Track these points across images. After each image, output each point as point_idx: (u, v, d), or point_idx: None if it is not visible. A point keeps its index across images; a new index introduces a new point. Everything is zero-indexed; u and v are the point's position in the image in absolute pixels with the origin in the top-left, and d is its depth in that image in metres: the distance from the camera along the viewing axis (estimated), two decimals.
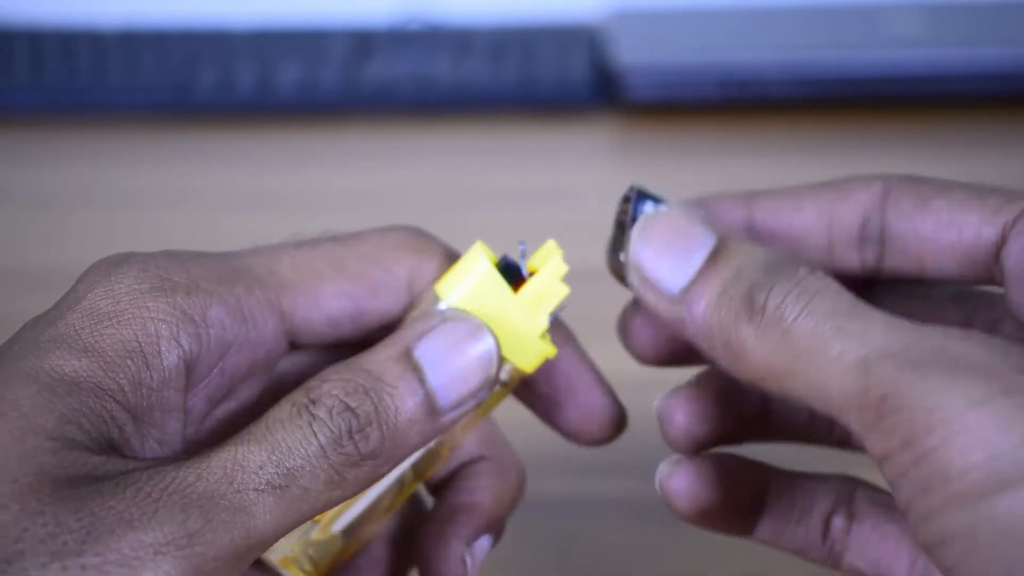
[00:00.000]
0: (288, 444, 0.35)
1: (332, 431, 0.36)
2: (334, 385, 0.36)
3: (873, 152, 0.89)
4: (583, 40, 0.97)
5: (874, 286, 0.42)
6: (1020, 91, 0.93)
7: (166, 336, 0.37)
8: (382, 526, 0.42)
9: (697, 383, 0.42)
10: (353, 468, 0.36)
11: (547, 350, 0.40)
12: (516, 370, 0.40)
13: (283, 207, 0.83)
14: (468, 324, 0.38)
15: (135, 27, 0.97)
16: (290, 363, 0.42)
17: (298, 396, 0.36)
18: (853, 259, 0.42)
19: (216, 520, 0.33)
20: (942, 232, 0.40)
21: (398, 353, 0.37)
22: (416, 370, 0.37)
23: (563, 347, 0.42)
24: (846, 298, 0.36)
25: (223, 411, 0.40)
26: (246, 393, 0.40)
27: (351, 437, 0.36)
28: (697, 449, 0.42)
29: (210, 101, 0.95)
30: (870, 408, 0.33)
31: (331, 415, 0.36)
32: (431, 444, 0.40)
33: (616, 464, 0.54)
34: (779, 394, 0.36)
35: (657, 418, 0.42)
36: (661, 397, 0.42)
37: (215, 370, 0.38)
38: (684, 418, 0.42)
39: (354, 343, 0.41)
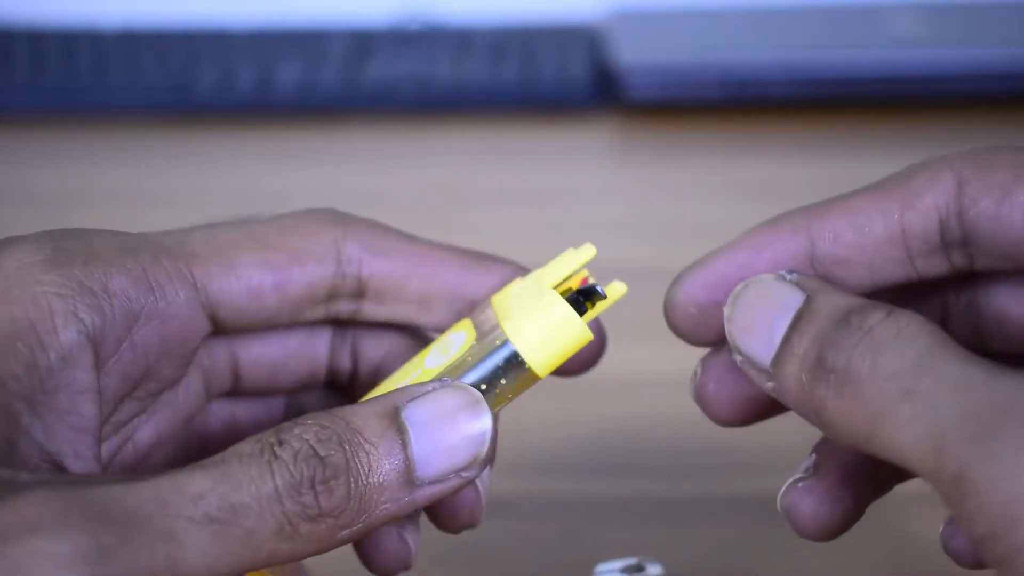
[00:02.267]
0: (239, 478, 0.32)
1: (293, 475, 0.32)
2: (307, 429, 0.33)
3: (873, 152, 0.89)
4: (583, 40, 0.97)
5: (976, 278, 0.39)
6: (1020, 91, 0.93)
7: (61, 310, 0.34)
8: None
9: (816, 467, 0.38)
10: (309, 522, 0.32)
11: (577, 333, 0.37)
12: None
13: (283, 207, 0.83)
14: (467, 397, 0.35)
15: (135, 27, 0.97)
16: (223, 358, 0.40)
17: (266, 434, 0.33)
18: (940, 265, 0.38)
19: (136, 541, 0.30)
20: None
21: (385, 410, 0.34)
22: (400, 432, 0.34)
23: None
24: (920, 346, 0.33)
25: (144, 392, 0.38)
26: (168, 373, 0.38)
27: (312, 487, 0.32)
28: (834, 536, 0.38)
29: (210, 101, 0.95)
30: (947, 485, 0.31)
31: (295, 458, 0.33)
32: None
33: (616, 464, 0.54)
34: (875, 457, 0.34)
35: (783, 513, 0.38)
36: (783, 493, 0.38)
37: (124, 344, 0.36)
38: (812, 509, 0.38)
39: (285, 321, 0.39)
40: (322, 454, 0.33)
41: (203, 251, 0.38)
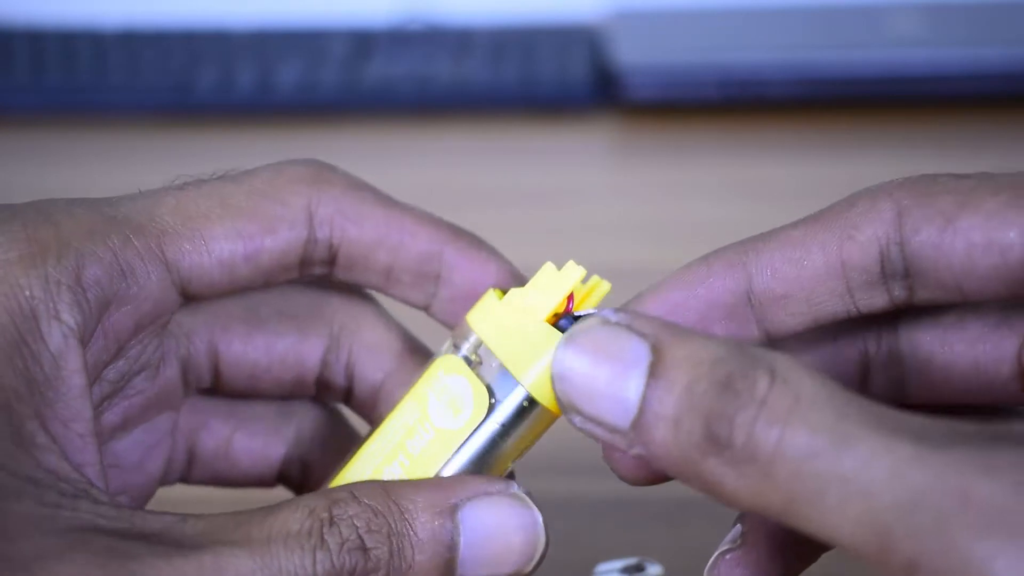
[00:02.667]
0: (282, 563, 0.32)
1: (335, 566, 0.33)
2: (361, 513, 0.33)
3: (873, 152, 0.89)
4: (583, 40, 0.97)
5: (904, 315, 0.37)
6: (1020, 91, 0.93)
7: (44, 314, 0.34)
8: None
9: (743, 537, 0.37)
10: None
11: None
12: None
13: None
14: (530, 514, 0.35)
15: (135, 27, 0.97)
16: (203, 350, 0.40)
17: (319, 505, 0.33)
18: (878, 299, 0.36)
19: None
20: (978, 258, 0.34)
21: (441, 507, 0.34)
22: (453, 533, 0.34)
23: None
24: (828, 415, 0.30)
25: (114, 373, 0.37)
26: (138, 351, 0.38)
27: None
28: None
29: (210, 101, 0.95)
30: (898, 571, 0.29)
31: (341, 548, 0.33)
32: None
33: None
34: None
35: None
36: (710, 566, 0.37)
37: (97, 331, 0.36)
38: None
39: (257, 287, 0.39)
40: (368, 546, 0.33)
41: (174, 225, 0.37)
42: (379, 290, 0.41)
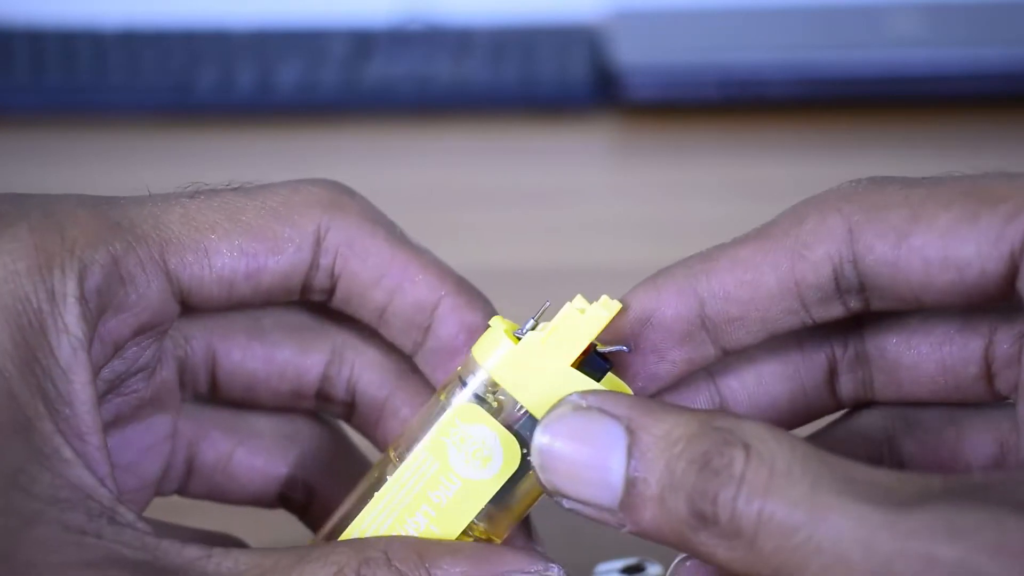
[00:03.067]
0: None
1: None
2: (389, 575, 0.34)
3: (873, 152, 0.89)
4: (583, 40, 0.97)
5: (868, 319, 0.37)
6: (1020, 91, 0.93)
7: (52, 328, 0.34)
8: None
9: None
10: None
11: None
12: None
13: None
14: None
15: (135, 27, 0.97)
16: (200, 355, 0.40)
17: (350, 563, 0.34)
18: (835, 310, 0.36)
19: None
20: (935, 275, 0.34)
21: None
22: None
23: None
24: (803, 488, 0.31)
25: (109, 372, 0.37)
26: (135, 352, 0.38)
27: None
28: None
29: (210, 101, 0.95)
30: None
31: None
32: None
33: None
34: None
35: None
36: (670, 572, 0.37)
37: (94, 336, 0.35)
38: None
39: (257, 305, 0.39)
40: None
41: (178, 235, 0.37)
42: (370, 325, 0.40)
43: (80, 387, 0.34)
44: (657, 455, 0.32)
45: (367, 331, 0.41)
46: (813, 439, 0.38)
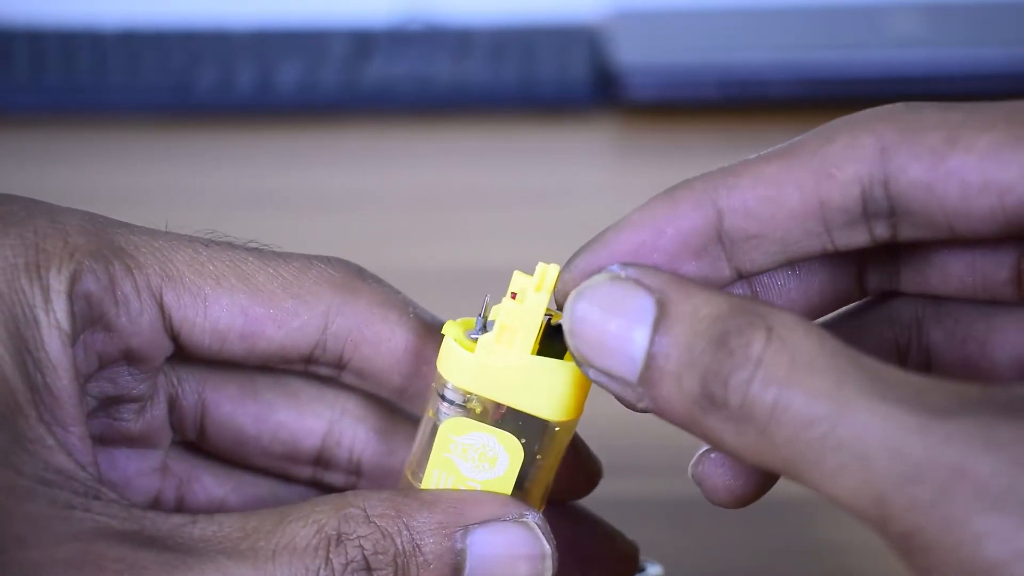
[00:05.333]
0: None
1: None
2: (370, 533, 0.34)
3: None
4: (583, 40, 0.97)
5: (895, 251, 0.36)
6: (1020, 91, 0.93)
7: (44, 323, 0.34)
8: None
9: None
10: None
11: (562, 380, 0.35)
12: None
13: (283, 207, 0.83)
14: (539, 544, 0.35)
15: (135, 27, 0.97)
16: (191, 399, 0.39)
17: (329, 520, 0.34)
18: (859, 237, 0.34)
19: None
20: (973, 199, 0.32)
21: (450, 529, 0.34)
22: (459, 555, 0.34)
23: None
24: (827, 379, 0.29)
25: (97, 390, 0.37)
26: (129, 384, 0.37)
27: None
28: (747, 504, 0.36)
29: (210, 101, 0.95)
30: (894, 536, 0.29)
31: (344, 569, 0.33)
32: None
33: (617, 464, 0.54)
34: None
35: (694, 481, 0.36)
36: (695, 462, 0.36)
37: (79, 342, 0.35)
38: (724, 481, 0.35)
39: (255, 366, 0.38)
40: (373, 567, 0.33)
41: (180, 274, 0.36)
42: (390, 400, 0.40)
43: (67, 381, 0.34)
44: (681, 331, 0.31)
45: (371, 396, 0.40)
46: (839, 321, 0.37)
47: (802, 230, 0.34)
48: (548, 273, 0.35)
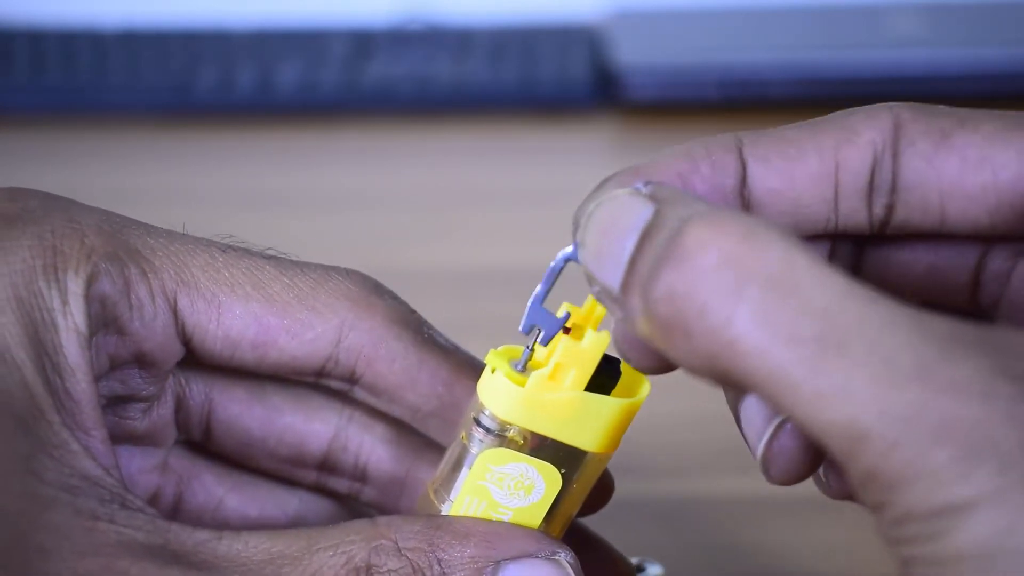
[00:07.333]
0: None
1: None
2: (401, 568, 0.34)
3: None
4: (583, 40, 0.97)
5: (878, 248, 0.36)
6: (1020, 91, 0.93)
7: (63, 327, 0.34)
8: None
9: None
10: None
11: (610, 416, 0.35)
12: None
13: (283, 207, 0.83)
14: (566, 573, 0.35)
15: (135, 27, 0.97)
16: (197, 399, 0.39)
17: (360, 551, 0.34)
18: (860, 213, 0.35)
19: None
20: (970, 174, 0.33)
21: (482, 563, 0.34)
22: None
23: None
24: (819, 289, 0.28)
25: (107, 389, 0.37)
26: (138, 385, 0.37)
27: None
28: (800, 480, 0.35)
29: (210, 101, 0.95)
30: (860, 472, 0.28)
31: None
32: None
33: (616, 464, 0.54)
34: None
35: (765, 466, 0.34)
36: (766, 440, 0.34)
37: (92, 343, 0.35)
38: (785, 465, 0.34)
39: (266, 375, 0.38)
40: None
41: (195, 280, 0.36)
42: (404, 421, 0.39)
43: (86, 385, 0.34)
44: (659, 233, 0.30)
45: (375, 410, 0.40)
46: None
47: (815, 193, 0.35)
48: (598, 309, 0.35)
